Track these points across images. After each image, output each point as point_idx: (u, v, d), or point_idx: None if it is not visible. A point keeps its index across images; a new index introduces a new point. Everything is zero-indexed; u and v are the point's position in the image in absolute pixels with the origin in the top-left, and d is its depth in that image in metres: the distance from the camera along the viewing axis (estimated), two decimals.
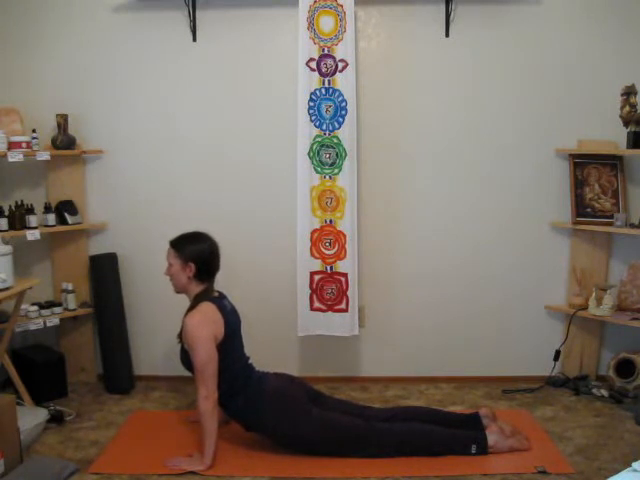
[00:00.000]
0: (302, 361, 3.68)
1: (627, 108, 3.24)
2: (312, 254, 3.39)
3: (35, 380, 3.29)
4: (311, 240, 3.39)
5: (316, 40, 3.28)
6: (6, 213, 3.25)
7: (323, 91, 3.31)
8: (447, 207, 3.56)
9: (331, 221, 3.38)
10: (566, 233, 3.57)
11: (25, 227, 3.30)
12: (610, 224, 3.37)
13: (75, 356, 3.63)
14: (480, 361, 3.66)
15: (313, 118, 3.32)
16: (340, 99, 3.30)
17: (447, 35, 3.43)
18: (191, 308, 2.75)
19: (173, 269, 2.78)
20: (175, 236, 2.83)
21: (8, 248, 2.98)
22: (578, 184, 3.48)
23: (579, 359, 3.60)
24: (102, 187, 3.60)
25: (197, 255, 2.76)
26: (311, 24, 3.27)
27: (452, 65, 3.46)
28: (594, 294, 3.44)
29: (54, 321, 3.40)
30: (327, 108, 3.31)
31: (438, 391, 3.54)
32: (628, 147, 3.32)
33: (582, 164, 3.48)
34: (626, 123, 3.29)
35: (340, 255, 3.38)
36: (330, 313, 3.43)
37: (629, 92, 3.23)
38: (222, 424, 2.81)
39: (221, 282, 2.92)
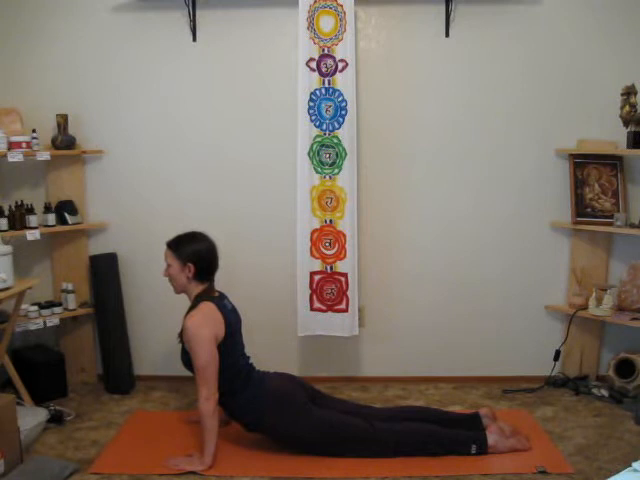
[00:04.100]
0: (302, 361, 3.68)
1: (627, 108, 3.24)
2: (312, 254, 3.39)
3: (35, 380, 3.29)
4: (311, 240, 3.39)
5: (316, 40, 3.28)
6: (6, 213, 3.25)
7: (323, 91, 3.30)
8: (447, 207, 3.56)
9: (331, 221, 3.38)
10: (566, 233, 3.57)
11: (25, 227, 3.30)
12: (610, 224, 3.37)
13: (75, 356, 3.63)
14: (480, 361, 3.66)
15: (313, 118, 3.32)
16: (340, 99, 3.30)
17: (447, 35, 3.43)
18: (191, 308, 2.75)
19: (172, 270, 2.78)
20: (172, 237, 2.83)
21: (8, 248, 2.98)
22: (578, 184, 3.48)
23: (579, 359, 3.60)
24: (102, 187, 3.59)
25: (196, 255, 2.76)
26: (311, 24, 3.27)
27: (452, 65, 3.46)
28: (594, 294, 3.44)
29: (54, 321, 3.40)
30: (327, 108, 3.31)
31: (438, 391, 3.54)
32: (628, 147, 3.32)
33: (582, 164, 3.48)
34: (626, 123, 3.29)
35: (340, 255, 3.38)
36: (330, 313, 3.43)
37: (629, 92, 3.23)
38: (222, 425, 2.81)
39: (221, 282, 2.92)
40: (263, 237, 3.59)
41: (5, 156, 3.19)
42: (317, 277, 3.41)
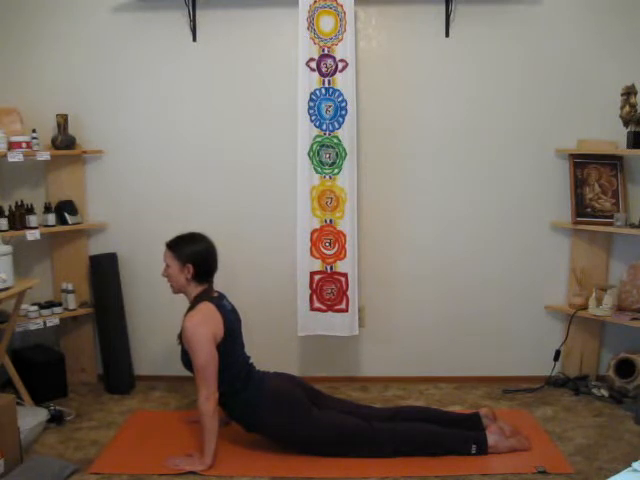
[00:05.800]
0: (302, 361, 3.68)
1: (627, 108, 3.24)
2: (312, 254, 3.39)
3: (35, 380, 3.29)
4: (311, 240, 3.39)
5: (316, 40, 3.28)
6: (6, 213, 3.25)
7: (323, 91, 3.30)
8: (447, 207, 3.56)
9: (331, 221, 3.38)
10: (566, 233, 3.57)
11: (25, 227, 3.30)
12: (610, 224, 3.37)
13: (75, 356, 3.63)
14: (480, 361, 3.66)
15: (313, 118, 3.32)
16: (340, 99, 3.30)
17: (447, 35, 3.43)
18: (190, 309, 2.75)
19: (171, 270, 2.78)
20: (171, 237, 2.83)
21: (8, 248, 2.98)
22: (578, 184, 3.48)
23: (579, 359, 3.60)
24: (102, 187, 3.59)
25: (195, 256, 2.76)
26: (311, 24, 3.26)
27: (452, 65, 3.46)
28: (594, 294, 3.44)
29: (54, 321, 3.40)
30: (327, 108, 3.31)
31: (438, 391, 3.54)
32: (628, 147, 3.32)
33: (582, 164, 3.48)
34: (626, 123, 3.28)
35: (340, 255, 3.38)
36: (330, 313, 3.43)
37: (629, 92, 3.23)
38: (222, 425, 2.81)
39: (221, 282, 2.92)
40: (263, 237, 3.58)
41: (5, 156, 3.19)
42: (317, 277, 3.41)
